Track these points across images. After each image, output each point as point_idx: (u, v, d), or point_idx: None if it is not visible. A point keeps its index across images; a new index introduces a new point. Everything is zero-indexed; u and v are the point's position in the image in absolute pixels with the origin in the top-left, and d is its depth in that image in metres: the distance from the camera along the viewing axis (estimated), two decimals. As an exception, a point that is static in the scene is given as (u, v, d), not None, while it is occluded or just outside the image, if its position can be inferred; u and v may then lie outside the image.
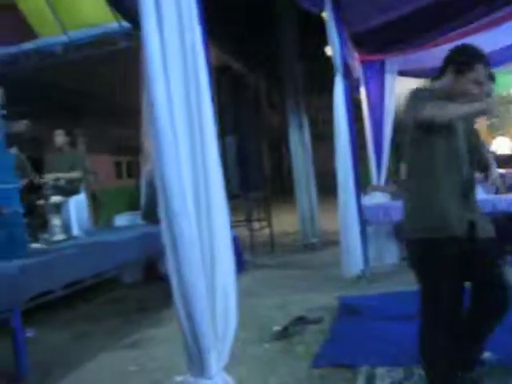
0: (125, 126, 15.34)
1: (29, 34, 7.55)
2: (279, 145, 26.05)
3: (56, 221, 5.16)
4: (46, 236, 5.20)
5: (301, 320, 4.27)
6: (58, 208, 5.30)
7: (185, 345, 1.98)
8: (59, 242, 5.03)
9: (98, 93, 13.80)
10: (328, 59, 5.82)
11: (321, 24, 5.63)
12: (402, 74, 6.95)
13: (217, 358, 1.92)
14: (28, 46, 7.59)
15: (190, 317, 1.90)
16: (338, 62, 5.60)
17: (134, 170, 17.37)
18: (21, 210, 4.33)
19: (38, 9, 7.24)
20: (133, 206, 10.89)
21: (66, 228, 5.50)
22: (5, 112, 4.37)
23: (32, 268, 3.74)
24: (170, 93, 1.91)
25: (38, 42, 7.63)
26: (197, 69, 1.97)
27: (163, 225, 1.97)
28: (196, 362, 1.91)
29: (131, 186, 15.20)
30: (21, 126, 4.55)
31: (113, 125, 15.13)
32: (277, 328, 4.17)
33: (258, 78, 11.87)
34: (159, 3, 1.91)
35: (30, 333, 4.18)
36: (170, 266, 1.98)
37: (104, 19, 7.23)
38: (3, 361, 3.78)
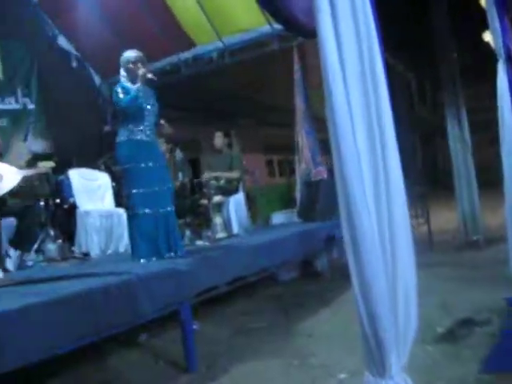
0: (276, 126, 15.68)
1: (187, 43, 8.01)
2: (432, 138, 25.02)
3: (218, 219, 5.41)
4: (208, 234, 5.48)
5: (467, 322, 4.06)
6: (220, 207, 5.56)
7: (365, 344, 1.97)
8: (221, 239, 5.26)
9: (250, 94, 14.24)
10: (485, 46, 5.48)
11: (474, 10, 5.33)
12: None
13: (397, 357, 1.89)
14: (187, 54, 8.05)
15: (372, 316, 1.89)
16: (499, 48, 5.25)
17: (285, 169, 17.69)
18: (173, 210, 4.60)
19: (195, 19, 7.63)
20: (285, 204, 11.09)
21: (227, 226, 5.76)
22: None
23: (199, 264, 3.96)
24: (349, 95, 1.93)
25: (195, 51, 8.06)
26: (374, 69, 1.97)
27: (343, 221, 1.98)
28: (377, 361, 1.90)
29: (283, 184, 15.49)
30: (166, 128, 4.81)
31: (264, 124, 15.52)
32: (440, 329, 4.01)
33: (408, 68, 11.48)
34: (334, 7, 1.93)
35: (195, 326, 4.40)
36: (350, 264, 1.99)
37: (256, 23, 7.44)
38: (173, 351, 4.00)
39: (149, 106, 4.60)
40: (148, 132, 4.55)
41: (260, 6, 6.01)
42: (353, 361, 3.42)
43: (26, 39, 8.32)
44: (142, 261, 4.38)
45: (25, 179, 4.99)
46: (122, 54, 4.69)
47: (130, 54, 4.64)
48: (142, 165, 4.46)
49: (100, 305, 3.05)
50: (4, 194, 4.70)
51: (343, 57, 1.95)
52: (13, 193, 4.91)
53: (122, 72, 4.67)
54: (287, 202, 11.34)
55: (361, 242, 1.93)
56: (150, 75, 4.54)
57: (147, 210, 4.44)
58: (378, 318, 1.90)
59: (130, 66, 4.56)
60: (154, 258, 4.40)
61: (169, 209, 4.57)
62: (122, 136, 4.53)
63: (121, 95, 4.45)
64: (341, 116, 1.92)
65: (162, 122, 4.75)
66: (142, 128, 4.52)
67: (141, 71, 4.50)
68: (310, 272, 6.49)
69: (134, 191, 4.45)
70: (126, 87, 4.51)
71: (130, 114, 4.48)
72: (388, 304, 1.94)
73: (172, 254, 4.47)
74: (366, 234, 1.92)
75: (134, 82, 4.52)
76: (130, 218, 4.60)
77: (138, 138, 4.50)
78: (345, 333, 4.22)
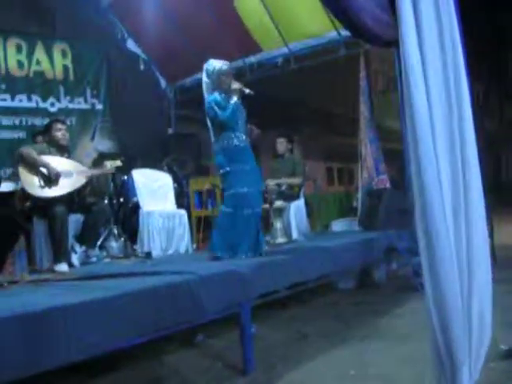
0: (337, 133, 15.58)
1: (253, 48, 8.05)
2: (495, 151, 24.31)
3: (278, 224, 5.41)
4: (268, 238, 5.48)
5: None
6: (281, 212, 5.55)
7: (435, 356, 1.91)
8: (281, 244, 5.25)
9: (313, 101, 14.19)
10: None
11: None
12: None
13: (468, 373, 1.82)
14: (252, 59, 8.10)
15: (445, 328, 1.83)
16: None
17: (344, 177, 17.55)
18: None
19: (262, 24, 7.66)
20: (343, 212, 11.00)
21: (287, 231, 5.74)
22: None
23: (261, 267, 3.96)
24: (431, 107, 1.89)
25: (261, 56, 8.10)
26: (459, 81, 1.93)
27: (418, 231, 1.93)
28: (448, 375, 1.84)
29: (342, 192, 15.37)
30: (255, 131, 4.94)
31: (325, 132, 15.44)
32: (504, 347, 3.85)
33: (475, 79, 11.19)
34: (418, 19, 1.91)
35: (254, 329, 4.40)
36: (424, 273, 1.94)
37: (323, 29, 7.40)
38: (230, 353, 4.01)
39: (242, 116, 4.84)
40: (242, 138, 4.80)
41: (330, 12, 5.97)
42: (411, 373, 3.36)
43: (97, 41, 8.60)
44: (243, 257, 4.61)
45: (93, 177, 5.14)
46: (206, 61, 4.94)
47: (222, 65, 4.80)
48: (239, 168, 4.72)
49: (163, 303, 3.09)
50: (72, 191, 4.85)
51: (426, 68, 1.92)
52: (80, 190, 5.06)
53: (206, 79, 4.83)
54: (346, 211, 11.24)
55: (437, 252, 1.87)
56: (247, 90, 4.76)
57: (246, 210, 4.69)
58: (451, 330, 1.84)
59: (223, 78, 4.74)
60: (252, 255, 4.66)
61: (259, 209, 4.83)
62: (220, 143, 4.79)
63: (217, 110, 4.68)
64: (421, 126, 1.89)
65: (250, 126, 4.95)
66: (237, 135, 4.77)
67: (237, 85, 4.71)
68: (368, 282, 6.39)
69: (234, 192, 4.70)
70: (220, 102, 4.70)
71: (227, 125, 4.73)
72: (462, 317, 1.87)
73: (259, 253, 4.72)
74: (443, 246, 1.86)
75: (221, 91, 4.74)
76: (228, 217, 4.76)
77: (235, 144, 4.75)
78: (403, 345, 4.13)
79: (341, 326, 5.07)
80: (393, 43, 6.62)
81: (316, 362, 4.04)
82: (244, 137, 4.83)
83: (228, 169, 4.74)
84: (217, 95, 4.75)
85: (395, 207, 6.36)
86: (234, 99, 4.69)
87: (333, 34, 7.39)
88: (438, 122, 1.92)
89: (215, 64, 4.80)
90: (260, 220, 4.89)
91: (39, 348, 2.37)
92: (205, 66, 4.87)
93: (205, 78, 4.83)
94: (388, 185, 6.75)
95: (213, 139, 4.88)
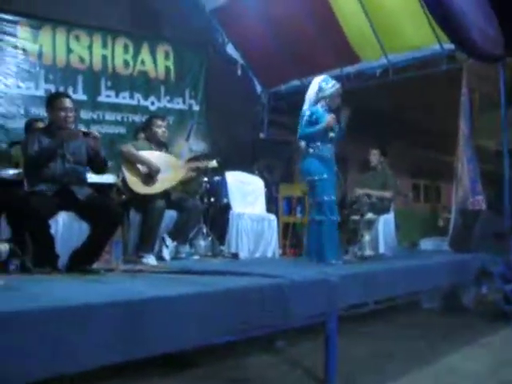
0: (426, 149, 15.15)
1: (351, 57, 7.98)
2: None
3: (367, 237, 5.34)
4: (355, 250, 5.41)
5: None
6: (370, 225, 5.47)
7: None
8: (368, 257, 5.18)
9: (404, 115, 13.89)
10: None
11: None
12: None
13: None
14: (350, 69, 8.03)
15: None
16: None
17: (431, 195, 17.04)
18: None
19: (362, 33, 7.57)
20: (428, 230, 10.69)
21: (374, 245, 5.65)
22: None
23: (352, 278, 3.92)
24: None
25: (359, 66, 8.01)
26: None
27: None
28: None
29: (427, 209, 14.95)
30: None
31: (414, 147, 15.07)
32: None
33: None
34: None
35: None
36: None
37: (425, 41, 7.22)
38: (310, 362, 3.98)
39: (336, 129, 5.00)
40: (331, 149, 5.01)
41: (439, 26, 5.85)
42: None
43: (198, 44, 8.84)
44: (333, 262, 4.75)
45: (189, 172, 5.28)
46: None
47: (339, 88, 5.01)
48: (327, 177, 4.89)
49: (252, 304, 3.10)
50: (171, 187, 5.01)
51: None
52: (175, 186, 5.21)
53: (316, 91, 4.99)
54: (431, 229, 10.94)
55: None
56: (343, 123, 5.06)
57: (333, 217, 4.87)
58: None
59: (334, 98, 4.96)
60: (340, 262, 4.81)
61: (335, 218, 4.94)
62: (310, 151, 4.96)
63: (313, 121, 4.90)
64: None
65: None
66: (328, 146, 4.97)
67: (347, 113, 5.03)
68: (455, 304, 6.16)
69: (324, 199, 4.85)
70: (320, 117, 4.89)
71: (319, 136, 4.91)
72: None
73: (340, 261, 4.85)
74: None
75: (325, 107, 4.95)
76: (318, 224, 4.90)
77: (324, 154, 4.94)
78: (493, 374, 3.96)
79: (426, 347, 4.91)
80: (498, 58, 6.44)
81: (398, 382, 3.94)
82: (332, 147, 5.01)
83: (316, 177, 4.89)
84: (319, 108, 4.93)
85: (491, 230, 6.13)
86: (339, 126, 4.95)
87: (435, 47, 7.20)
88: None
89: (333, 83, 4.99)
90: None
91: (137, 335, 2.44)
92: (320, 80, 5.02)
93: (315, 90, 4.98)
94: (484, 206, 6.49)
95: (303, 146, 5.03)
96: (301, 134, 4.99)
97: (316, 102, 4.96)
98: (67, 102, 4.13)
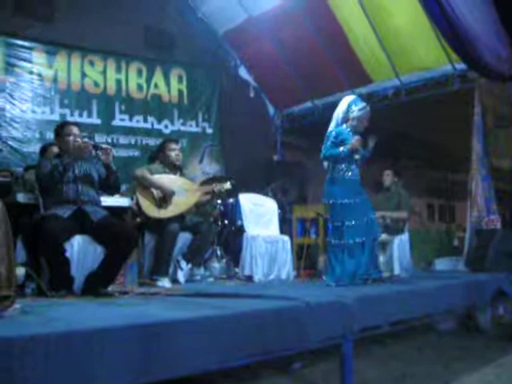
0: (440, 169, 15.11)
1: (363, 79, 8.03)
2: None
3: (381, 258, 5.30)
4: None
5: None
6: (384, 246, 5.44)
7: None
8: (385, 278, 5.14)
9: (417, 134, 13.88)
10: None
11: None
12: None
13: None
14: (362, 90, 8.07)
15: None
16: None
17: (445, 214, 16.94)
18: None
19: (374, 55, 7.64)
20: (443, 250, 10.59)
21: (389, 266, 5.62)
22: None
23: (367, 300, 3.89)
24: None
25: (371, 87, 8.06)
26: None
27: None
28: None
29: (442, 229, 14.83)
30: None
31: (428, 167, 15.03)
32: None
33: None
34: None
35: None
36: None
37: (437, 62, 7.27)
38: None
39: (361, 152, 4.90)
40: (356, 171, 4.90)
41: (451, 48, 5.87)
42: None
43: (210, 68, 8.94)
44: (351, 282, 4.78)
45: (203, 196, 5.29)
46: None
47: (368, 111, 4.92)
48: (351, 201, 4.79)
49: (269, 327, 3.09)
50: (185, 210, 5.03)
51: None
52: (190, 209, 5.23)
53: (344, 110, 4.91)
54: (446, 248, 10.85)
55: None
56: (369, 153, 5.00)
57: (352, 240, 4.76)
58: None
59: (362, 120, 4.86)
60: (360, 283, 4.82)
61: (371, 237, 4.89)
62: (334, 174, 4.87)
63: (332, 145, 4.81)
64: None
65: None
66: (353, 167, 4.86)
67: (375, 138, 4.96)
68: (471, 326, 6.08)
69: (342, 224, 4.77)
70: (345, 138, 4.81)
71: (343, 159, 4.82)
72: None
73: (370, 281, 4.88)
74: None
75: (351, 129, 4.86)
76: (336, 248, 4.84)
77: (349, 177, 4.83)
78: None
79: (442, 369, 4.85)
80: (511, 78, 6.45)
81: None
82: (357, 171, 4.90)
83: (335, 201, 4.81)
84: (345, 130, 4.86)
85: (507, 249, 6.06)
86: (362, 153, 4.86)
87: (447, 67, 7.24)
88: None
89: (363, 105, 4.91)
90: (373, 247, 4.95)
91: (153, 359, 2.44)
92: (350, 100, 4.96)
93: (343, 109, 4.91)
94: (499, 225, 6.44)
95: (325, 166, 4.96)
96: (324, 154, 4.87)
97: (343, 121, 4.89)
98: (74, 129, 4.21)
